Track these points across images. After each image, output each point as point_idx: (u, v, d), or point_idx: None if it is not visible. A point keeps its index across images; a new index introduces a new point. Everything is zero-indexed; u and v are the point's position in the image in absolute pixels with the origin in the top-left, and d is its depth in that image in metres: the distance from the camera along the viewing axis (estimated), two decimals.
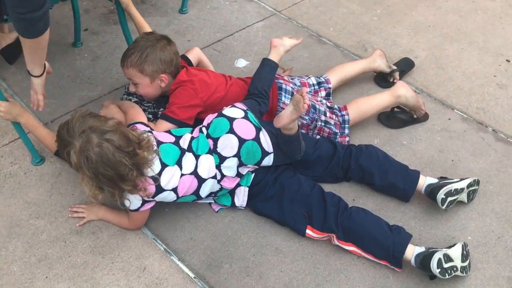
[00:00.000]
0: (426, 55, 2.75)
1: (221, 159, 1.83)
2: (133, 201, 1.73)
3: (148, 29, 2.18)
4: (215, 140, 1.83)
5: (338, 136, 2.17)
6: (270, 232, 1.88)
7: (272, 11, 2.99)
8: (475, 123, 2.36)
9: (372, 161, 1.99)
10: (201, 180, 1.81)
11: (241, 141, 1.83)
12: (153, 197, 1.75)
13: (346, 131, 2.20)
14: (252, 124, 1.87)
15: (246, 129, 1.85)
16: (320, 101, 2.22)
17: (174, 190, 1.77)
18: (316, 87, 2.31)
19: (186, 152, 1.83)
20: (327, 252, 1.84)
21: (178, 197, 1.80)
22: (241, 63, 2.61)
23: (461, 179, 1.95)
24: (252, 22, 2.89)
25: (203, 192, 1.84)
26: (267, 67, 2.13)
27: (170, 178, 1.76)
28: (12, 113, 1.93)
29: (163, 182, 1.74)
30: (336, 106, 2.23)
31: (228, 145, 1.82)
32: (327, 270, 1.79)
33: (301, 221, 1.83)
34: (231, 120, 1.86)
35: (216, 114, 1.91)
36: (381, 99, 2.27)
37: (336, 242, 1.82)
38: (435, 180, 1.94)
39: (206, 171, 1.82)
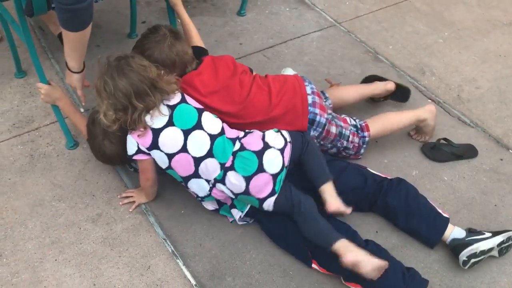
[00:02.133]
0: (489, 86, 2.55)
1: (223, 180, 1.74)
2: (129, 144, 1.72)
3: (193, 29, 2.17)
4: (231, 167, 1.73)
5: (351, 156, 2.06)
6: (280, 252, 1.82)
7: (332, 22, 2.90)
8: None
9: (399, 200, 1.86)
10: (196, 174, 1.74)
11: (247, 192, 1.74)
12: (148, 149, 1.71)
13: (362, 151, 2.08)
14: (272, 185, 1.73)
15: (261, 187, 1.73)
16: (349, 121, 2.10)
17: (169, 156, 1.72)
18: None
19: (201, 132, 1.72)
20: (335, 284, 1.74)
21: (170, 168, 1.75)
22: (288, 72, 2.54)
23: (493, 234, 1.77)
24: (309, 31, 2.82)
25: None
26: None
27: (170, 140, 1.70)
28: (52, 96, 2.00)
29: (162, 141, 1.69)
30: (358, 124, 2.09)
31: (237, 185, 1.73)
32: None
33: (305, 255, 1.75)
34: (260, 166, 1.72)
35: (258, 143, 1.75)
36: (406, 118, 2.14)
37: (344, 282, 1.72)
38: (462, 233, 1.78)
39: (206, 170, 1.73)
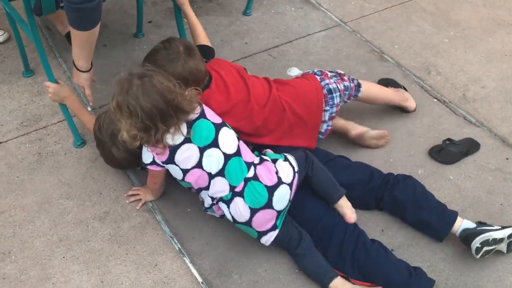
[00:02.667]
0: (495, 86, 2.55)
1: (229, 202, 1.71)
2: (145, 155, 1.70)
3: (200, 28, 2.17)
4: (241, 193, 1.69)
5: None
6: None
7: (337, 21, 2.91)
8: None
9: (407, 194, 1.87)
10: (207, 187, 1.72)
11: (249, 224, 1.71)
12: (164, 163, 1.69)
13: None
14: (275, 220, 1.72)
15: (265, 222, 1.71)
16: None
17: (183, 171, 1.70)
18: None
19: (217, 150, 1.69)
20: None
21: (183, 180, 1.73)
22: (294, 71, 2.55)
23: (503, 227, 1.78)
24: (314, 31, 2.83)
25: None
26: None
27: (186, 157, 1.67)
28: (59, 95, 2.01)
29: (178, 157, 1.66)
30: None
31: (242, 214, 1.70)
32: None
33: None
34: (269, 203, 1.69)
35: (271, 177, 1.71)
36: (390, 93, 2.29)
37: (351, 281, 1.73)
38: (472, 225, 1.79)
39: (214, 188, 1.71)
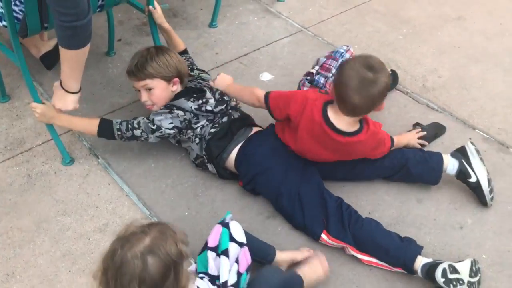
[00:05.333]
0: (450, 75, 2.77)
1: None
2: None
3: (178, 39, 2.31)
4: None
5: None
6: (284, 239, 1.93)
7: (298, 27, 3.07)
8: (496, 143, 2.37)
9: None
10: None
11: None
12: None
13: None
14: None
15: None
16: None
17: None
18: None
19: None
20: (341, 262, 1.87)
21: None
22: (266, 76, 2.69)
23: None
24: (279, 37, 2.97)
25: None
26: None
27: None
28: (46, 115, 2.04)
29: None
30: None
31: None
32: (339, 280, 1.82)
33: (319, 223, 1.88)
34: None
35: None
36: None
37: (350, 251, 1.85)
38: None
39: None
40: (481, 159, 2.06)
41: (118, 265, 1.24)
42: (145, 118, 2.05)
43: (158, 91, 2.07)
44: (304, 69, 2.71)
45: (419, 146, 2.25)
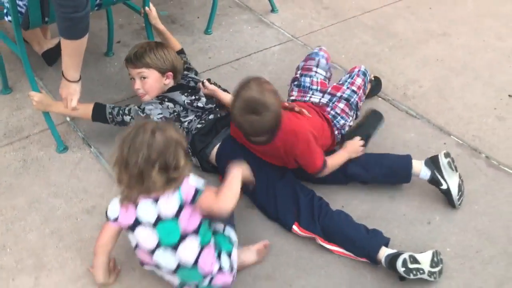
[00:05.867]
0: (430, 85, 2.91)
1: None
2: (113, 206, 1.68)
3: (174, 39, 2.48)
4: None
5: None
6: (263, 226, 2.05)
7: (289, 37, 3.23)
8: (469, 149, 2.49)
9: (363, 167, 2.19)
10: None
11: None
12: (126, 227, 1.69)
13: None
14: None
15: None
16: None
17: (136, 245, 1.70)
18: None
19: (172, 254, 1.66)
20: (312, 250, 1.98)
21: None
22: None
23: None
24: (270, 45, 3.14)
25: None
26: None
27: (144, 237, 1.66)
28: (44, 103, 2.19)
29: (138, 232, 1.66)
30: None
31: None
32: (309, 265, 1.93)
33: (291, 215, 2.00)
34: None
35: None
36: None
37: (319, 242, 1.96)
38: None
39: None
40: (452, 168, 2.14)
41: (132, 135, 1.59)
42: (136, 106, 2.19)
43: (151, 81, 2.23)
44: (291, 74, 2.86)
45: (363, 152, 2.23)
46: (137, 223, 1.65)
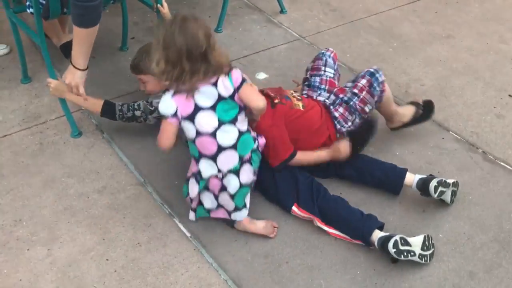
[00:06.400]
0: (432, 84, 3.00)
1: (238, 171, 1.94)
2: (166, 104, 1.83)
3: None
4: (249, 161, 1.96)
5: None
6: (264, 209, 2.15)
7: (297, 36, 3.35)
8: (467, 144, 2.57)
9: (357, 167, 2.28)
10: (213, 157, 1.90)
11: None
12: (185, 118, 1.84)
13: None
14: None
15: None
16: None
17: (197, 133, 1.87)
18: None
19: (234, 127, 1.88)
20: (309, 232, 2.08)
21: (193, 142, 1.90)
22: (261, 75, 2.96)
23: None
24: (277, 44, 3.25)
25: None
26: None
27: (206, 122, 1.84)
28: (59, 89, 2.32)
29: (198, 118, 1.84)
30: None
31: (248, 176, 1.98)
32: (305, 245, 2.03)
33: (291, 197, 2.10)
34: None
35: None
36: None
37: (317, 223, 2.06)
38: (424, 176, 2.17)
39: (225, 159, 1.91)
40: (442, 192, 2.12)
41: (177, 28, 1.73)
42: (144, 101, 2.32)
43: (151, 85, 2.35)
44: (296, 71, 2.99)
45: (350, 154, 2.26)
46: (197, 109, 1.83)
